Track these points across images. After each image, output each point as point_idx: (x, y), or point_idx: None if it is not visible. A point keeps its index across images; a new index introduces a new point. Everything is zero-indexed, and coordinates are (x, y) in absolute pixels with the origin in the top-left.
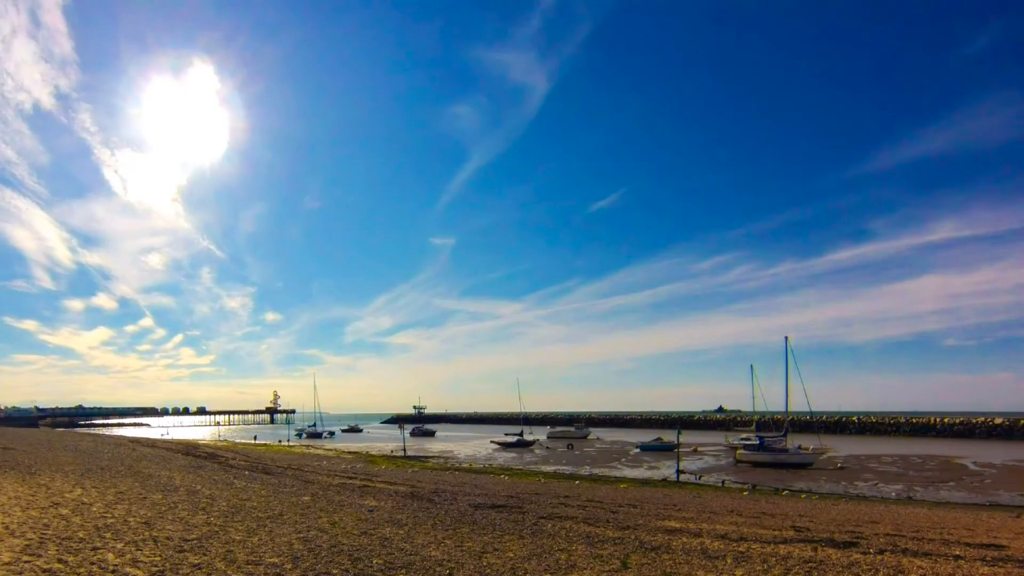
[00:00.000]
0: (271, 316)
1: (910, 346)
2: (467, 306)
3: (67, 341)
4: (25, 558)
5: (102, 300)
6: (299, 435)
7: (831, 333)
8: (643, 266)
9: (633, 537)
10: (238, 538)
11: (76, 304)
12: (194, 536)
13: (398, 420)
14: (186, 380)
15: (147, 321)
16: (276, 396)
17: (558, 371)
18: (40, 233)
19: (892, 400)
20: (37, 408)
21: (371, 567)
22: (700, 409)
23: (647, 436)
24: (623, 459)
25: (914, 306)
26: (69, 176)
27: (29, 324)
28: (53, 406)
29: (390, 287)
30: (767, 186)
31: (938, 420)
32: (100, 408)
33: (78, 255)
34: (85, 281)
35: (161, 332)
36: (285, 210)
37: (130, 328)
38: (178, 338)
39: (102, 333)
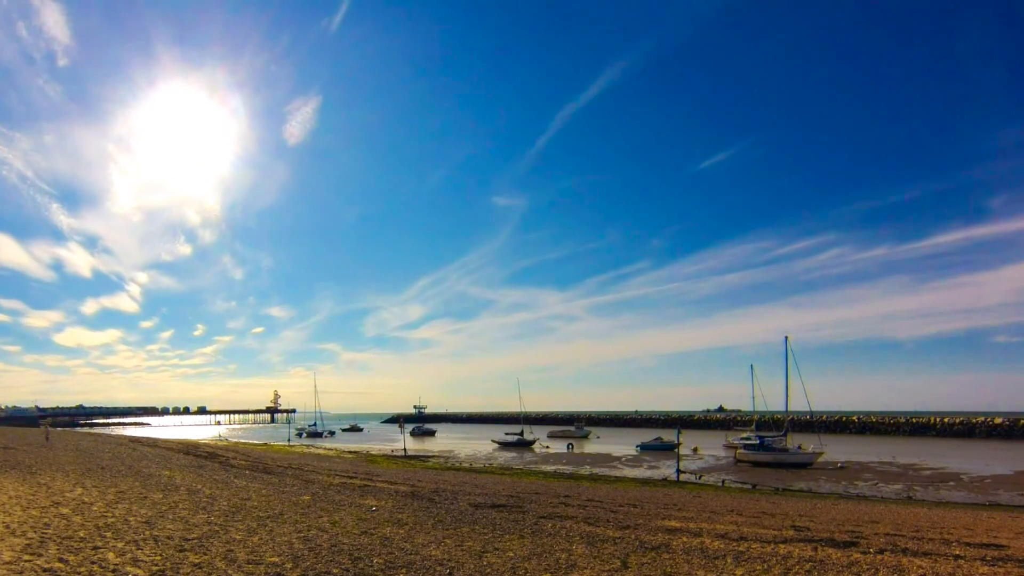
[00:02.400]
0: (286, 308)
1: (959, 342)
2: (505, 296)
3: (70, 339)
4: (26, 557)
5: (98, 285)
6: (299, 434)
7: (878, 328)
8: (723, 249)
9: (633, 537)
10: (239, 537)
11: (71, 295)
12: (195, 535)
13: (398, 420)
14: (190, 379)
15: (144, 309)
16: (276, 396)
17: (578, 368)
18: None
19: (936, 399)
20: (38, 408)
21: (371, 566)
22: (700, 409)
23: (647, 436)
24: (623, 459)
25: (979, 300)
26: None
27: (34, 320)
28: (54, 406)
29: (431, 270)
30: (892, 157)
31: (938, 420)
32: (100, 408)
33: (58, 217)
34: (75, 258)
35: (168, 332)
36: (314, 172)
37: (124, 318)
38: (181, 334)
39: (111, 333)
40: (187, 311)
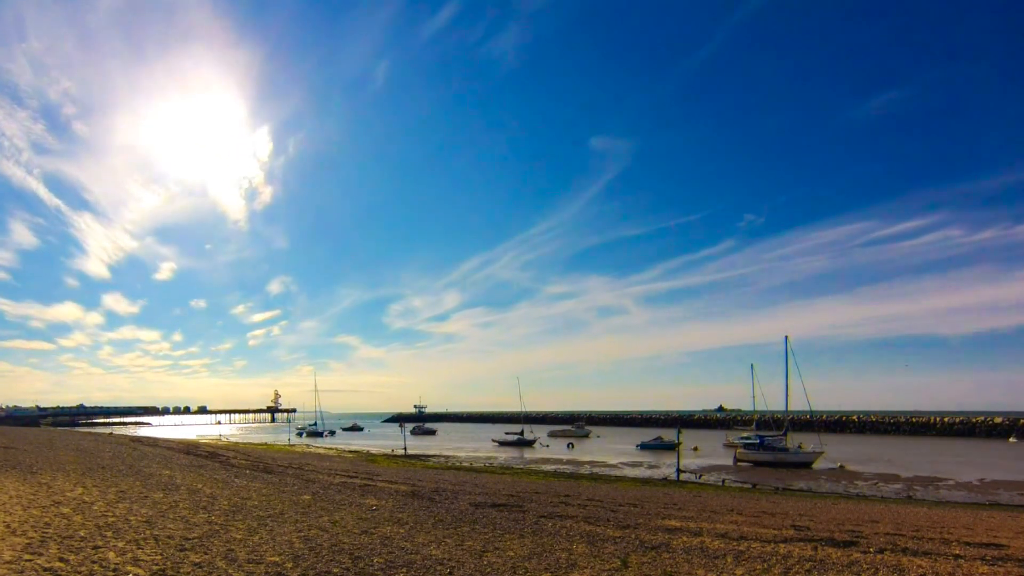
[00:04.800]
0: (306, 299)
1: (1006, 339)
2: (551, 286)
3: (75, 338)
4: (26, 556)
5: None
6: (300, 434)
7: (932, 323)
8: (817, 230)
9: (633, 536)
10: (239, 537)
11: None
12: (195, 535)
13: (399, 419)
14: (198, 377)
15: (154, 306)
16: (277, 395)
17: (597, 367)
18: None
19: (978, 398)
20: (38, 407)
21: (372, 566)
22: (700, 409)
23: (647, 435)
24: (623, 458)
25: None
26: None
27: (40, 316)
28: (54, 405)
29: (482, 250)
30: None
31: (938, 420)
32: (101, 407)
33: (26, 163)
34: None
35: (177, 332)
36: (352, 132)
37: (131, 315)
38: (191, 332)
39: (118, 331)
40: (197, 307)
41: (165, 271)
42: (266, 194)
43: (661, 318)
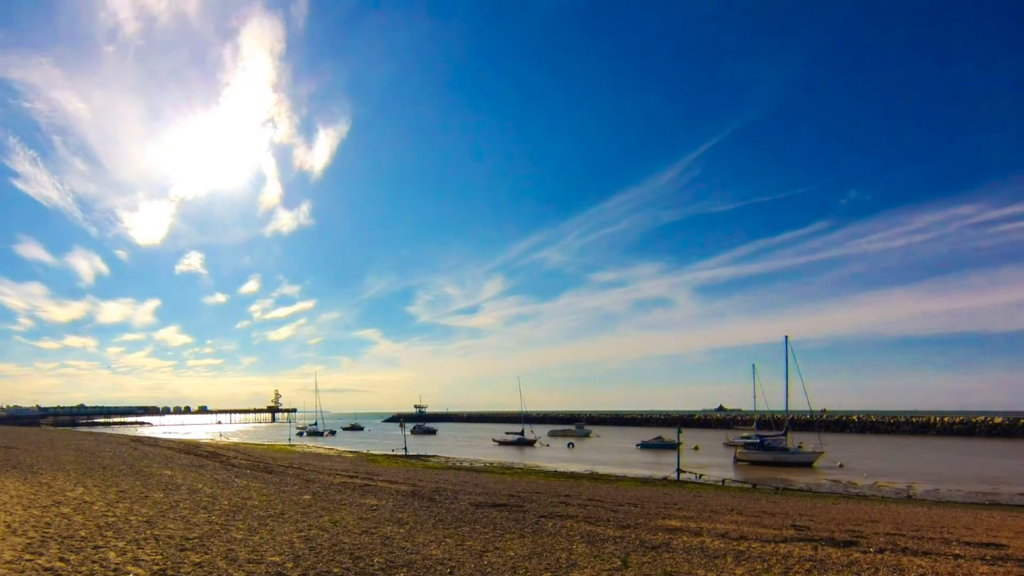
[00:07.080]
0: (324, 289)
1: None
2: (601, 275)
3: (79, 339)
4: (27, 556)
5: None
6: (300, 434)
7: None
8: (919, 212)
9: (634, 536)
10: (239, 537)
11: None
12: (195, 535)
13: (398, 419)
14: (204, 376)
15: (163, 306)
16: (277, 395)
17: (618, 365)
18: None
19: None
20: (39, 407)
21: (372, 566)
22: (701, 409)
23: (648, 435)
24: (623, 458)
25: None
26: None
27: (48, 313)
28: (55, 405)
29: (542, 227)
30: None
31: (938, 419)
32: (101, 407)
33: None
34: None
35: (187, 337)
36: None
37: (138, 314)
38: (198, 330)
39: (126, 330)
40: (209, 303)
41: (181, 264)
42: (295, 168)
43: (708, 312)
